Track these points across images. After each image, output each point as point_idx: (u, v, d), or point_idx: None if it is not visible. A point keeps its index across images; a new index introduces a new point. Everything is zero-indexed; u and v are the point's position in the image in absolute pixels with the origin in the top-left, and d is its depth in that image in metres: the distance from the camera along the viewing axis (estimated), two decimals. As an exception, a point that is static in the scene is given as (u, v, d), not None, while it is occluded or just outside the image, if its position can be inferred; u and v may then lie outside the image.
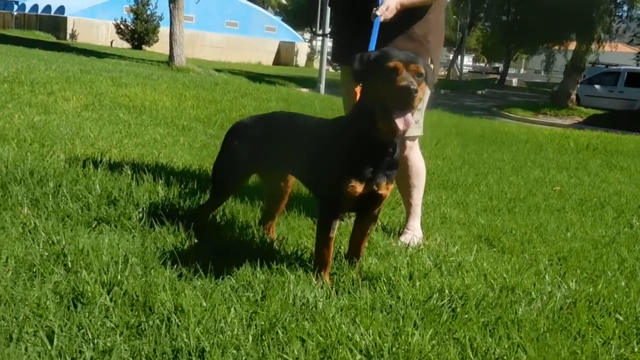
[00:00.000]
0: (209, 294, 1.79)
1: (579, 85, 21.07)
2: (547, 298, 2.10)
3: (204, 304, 1.73)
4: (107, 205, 2.50)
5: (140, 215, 2.41)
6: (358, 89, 1.97)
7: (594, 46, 20.62)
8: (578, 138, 8.07)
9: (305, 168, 2.13)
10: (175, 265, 1.98)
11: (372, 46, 2.26)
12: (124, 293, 1.73)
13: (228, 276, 1.95)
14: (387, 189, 2.00)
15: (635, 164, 6.25)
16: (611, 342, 1.83)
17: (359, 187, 1.91)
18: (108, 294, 1.72)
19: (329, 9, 14.95)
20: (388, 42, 2.34)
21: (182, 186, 2.87)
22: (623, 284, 2.39)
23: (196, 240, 2.27)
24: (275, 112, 2.50)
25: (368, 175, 1.92)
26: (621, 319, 2.01)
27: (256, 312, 1.72)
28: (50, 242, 2.06)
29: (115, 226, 2.34)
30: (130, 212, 2.43)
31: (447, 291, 2.03)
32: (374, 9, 2.31)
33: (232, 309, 1.71)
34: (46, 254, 1.94)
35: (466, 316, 1.87)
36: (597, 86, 21.39)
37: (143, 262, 1.97)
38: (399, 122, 1.76)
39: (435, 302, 1.93)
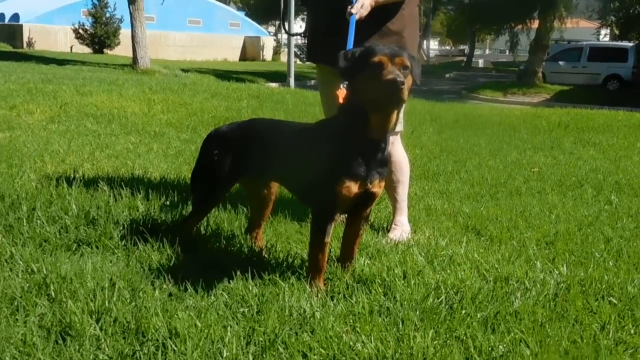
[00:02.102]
0: (202, 313, 1.73)
1: (544, 63, 21.44)
2: (540, 286, 2.10)
3: (199, 324, 1.67)
4: (86, 225, 2.40)
5: (122, 233, 2.33)
6: (340, 92, 1.93)
7: (556, 23, 20.99)
8: (549, 116, 8.18)
9: (294, 174, 2.08)
10: (164, 285, 1.91)
11: (349, 45, 2.21)
12: (114, 321, 1.66)
13: (220, 292, 1.89)
14: (379, 187, 1.99)
15: (607, 139, 6.37)
16: (608, 326, 1.84)
17: (354, 187, 1.89)
18: (97, 323, 1.64)
19: (293, 4, 14.80)
20: (364, 39, 2.30)
21: (163, 198, 2.79)
22: (611, 264, 2.43)
23: (183, 256, 2.20)
24: (253, 119, 2.44)
25: (362, 175, 1.89)
26: (615, 301, 2.03)
27: (254, 329, 1.67)
28: (29, 270, 1.96)
29: (97, 247, 2.25)
30: (111, 231, 2.34)
31: (442, 288, 2.02)
32: (349, 7, 2.27)
33: (229, 328, 1.66)
34: (27, 284, 1.85)
35: (464, 312, 1.86)
36: (561, 62, 21.80)
37: (130, 284, 1.90)
38: None
39: (432, 300, 1.92)
